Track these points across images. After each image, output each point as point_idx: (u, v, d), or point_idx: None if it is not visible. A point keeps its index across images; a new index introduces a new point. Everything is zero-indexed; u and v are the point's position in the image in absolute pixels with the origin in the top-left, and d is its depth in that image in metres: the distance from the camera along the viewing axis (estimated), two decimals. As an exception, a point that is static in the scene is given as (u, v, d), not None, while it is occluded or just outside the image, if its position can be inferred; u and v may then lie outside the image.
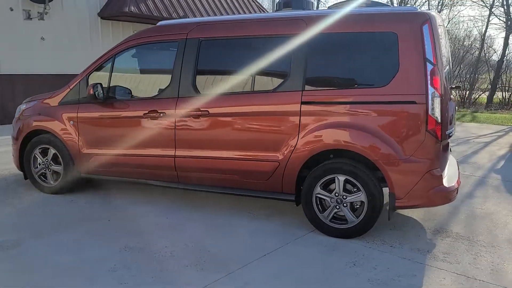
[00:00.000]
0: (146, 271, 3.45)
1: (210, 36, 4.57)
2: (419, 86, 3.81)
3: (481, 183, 6.20)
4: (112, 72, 4.98)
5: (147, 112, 4.71)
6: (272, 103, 4.25)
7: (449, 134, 4.08)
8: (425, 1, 25.99)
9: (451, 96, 4.61)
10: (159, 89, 4.79)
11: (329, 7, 4.92)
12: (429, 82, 3.78)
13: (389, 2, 25.00)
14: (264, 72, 4.40)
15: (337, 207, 4.11)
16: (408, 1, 25.85)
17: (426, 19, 3.83)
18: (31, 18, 11.55)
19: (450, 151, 5.13)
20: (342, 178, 4.05)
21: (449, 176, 4.24)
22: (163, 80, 4.73)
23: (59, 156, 5.26)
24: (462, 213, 4.92)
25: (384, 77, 3.93)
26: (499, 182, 6.24)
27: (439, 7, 26.05)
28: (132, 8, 12.43)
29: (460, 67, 20.99)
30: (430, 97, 3.78)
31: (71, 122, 5.14)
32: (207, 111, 4.47)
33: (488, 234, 4.32)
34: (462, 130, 11.61)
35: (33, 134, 5.43)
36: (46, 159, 5.35)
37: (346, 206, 4.08)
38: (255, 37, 4.40)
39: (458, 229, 4.44)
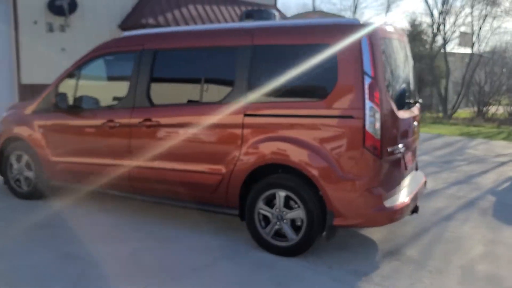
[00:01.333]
0: (68, 278, 3.46)
1: (163, 47, 4.59)
2: (356, 100, 3.64)
3: (469, 205, 5.82)
4: (78, 82, 5.10)
5: (105, 121, 4.77)
6: (217, 114, 4.19)
7: (393, 151, 3.85)
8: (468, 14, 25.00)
9: (413, 111, 4.41)
10: (118, 99, 4.84)
11: (287, 18, 4.83)
12: (366, 96, 3.60)
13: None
14: (212, 84, 4.37)
15: (278, 223, 3.98)
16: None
17: (365, 30, 3.67)
18: (53, 30, 12.08)
19: (417, 169, 4.89)
20: (282, 193, 3.92)
21: (401, 194, 4.01)
22: (123, 90, 4.78)
23: (31, 163, 5.41)
24: (428, 235, 4.63)
25: (323, 90, 3.79)
26: (490, 204, 5.84)
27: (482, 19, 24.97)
28: (150, 20, 12.74)
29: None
30: (367, 111, 3.61)
31: (41, 130, 5.29)
32: (158, 121, 4.47)
33: (443, 259, 4.04)
34: (485, 148, 10.98)
35: (11, 140, 5.62)
36: (20, 165, 5.52)
37: (287, 222, 3.94)
38: (204, 49, 4.37)
39: (413, 252, 4.18)
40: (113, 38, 5.06)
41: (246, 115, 4.05)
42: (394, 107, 3.86)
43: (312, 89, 3.87)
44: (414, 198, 4.19)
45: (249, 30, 4.17)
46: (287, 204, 3.92)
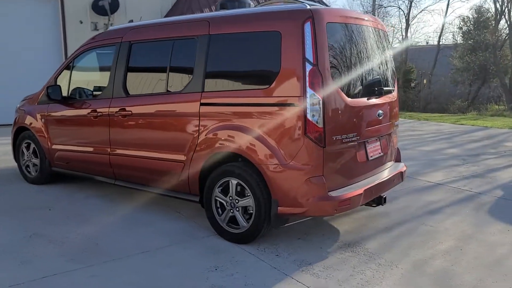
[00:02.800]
0: (18, 255, 3.77)
1: (137, 39, 4.78)
2: (297, 88, 3.60)
3: (468, 199, 5.49)
4: (71, 74, 5.46)
5: (90, 111, 5.08)
6: (178, 104, 4.33)
7: (342, 140, 3.75)
8: None
9: (384, 99, 4.26)
10: (101, 90, 5.13)
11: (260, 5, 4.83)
12: (307, 83, 3.55)
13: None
14: (176, 73, 4.49)
15: (231, 211, 4.04)
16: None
17: (308, 16, 3.60)
18: (98, 29, 12.83)
19: (398, 160, 4.72)
20: (234, 181, 3.98)
21: (355, 185, 3.91)
22: (106, 81, 5.05)
23: (37, 151, 5.88)
24: (401, 228, 4.46)
25: (268, 78, 3.78)
26: (492, 200, 5.46)
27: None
28: (187, 16, 13.12)
29: None
30: (308, 99, 3.56)
31: (43, 120, 5.73)
32: (131, 111, 4.69)
33: (401, 253, 3.89)
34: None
35: (22, 129, 6.14)
36: (29, 153, 6.02)
37: (239, 210, 3.99)
38: (169, 39, 4.50)
39: (373, 245, 4.06)
40: (100, 32, 5.34)
41: (201, 104, 4.14)
42: (343, 95, 3.76)
43: (259, 77, 3.87)
44: (374, 189, 4.05)
45: (206, 19, 4.24)
46: (242, 192, 3.96)
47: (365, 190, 3.88)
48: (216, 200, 4.13)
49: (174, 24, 4.58)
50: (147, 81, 4.74)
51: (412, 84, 24.23)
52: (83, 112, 5.18)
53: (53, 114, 5.59)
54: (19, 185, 6.01)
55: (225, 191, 4.07)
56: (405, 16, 29.71)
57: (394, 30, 29.44)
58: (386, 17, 32.64)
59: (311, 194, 3.64)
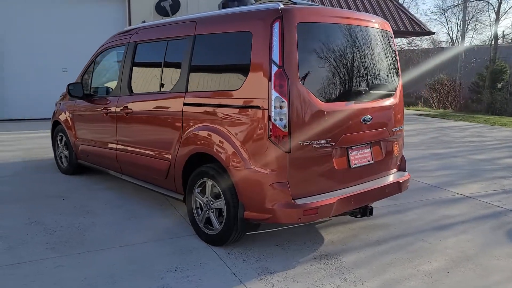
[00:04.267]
0: (10, 240, 4.07)
1: (141, 39, 4.93)
2: (263, 90, 3.49)
3: (491, 216, 4.94)
4: (93, 71, 5.78)
5: (102, 108, 5.35)
6: (166, 103, 4.40)
7: (312, 145, 3.55)
8: None
9: (370, 104, 3.98)
10: (113, 88, 5.37)
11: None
12: (272, 86, 3.42)
13: None
14: (168, 73, 4.54)
15: (208, 212, 4.03)
16: None
17: (277, 16, 3.46)
18: (161, 28, 13.39)
19: (400, 169, 4.40)
20: (210, 183, 3.96)
21: (329, 193, 3.69)
22: (116, 80, 5.29)
23: (67, 144, 6.32)
24: (395, 243, 4.14)
25: (239, 79, 3.70)
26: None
27: None
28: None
29: None
30: (273, 102, 3.43)
31: (70, 115, 6.14)
32: (131, 109, 4.86)
33: (378, 270, 3.60)
34: None
35: (57, 123, 6.62)
36: (62, 145, 6.48)
37: (213, 212, 3.97)
38: (165, 40, 4.57)
39: (352, 258, 3.82)
40: (116, 32, 5.58)
41: (184, 104, 4.17)
42: (315, 98, 3.56)
43: (232, 78, 3.80)
44: (355, 199, 3.80)
45: (194, 20, 4.25)
46: (217, 194, 3.93)
47: (339, 199, 3.65)
48: (196, 201, 4.14)
49: (169, 25, 4.65)
50: (146, 80, 4.87)
51: (499, 85, 22.20)
52: (99, 108, 5.45)
53: (77, 110, 5.97)
54: (53, 175, 6.49)
55: (203, 192, 4.06)
56: (494, 11, 27.26)
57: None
58: (478, 13, 30.31)
59: (275, 200, 3.50)
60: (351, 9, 14.94)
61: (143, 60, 4.92)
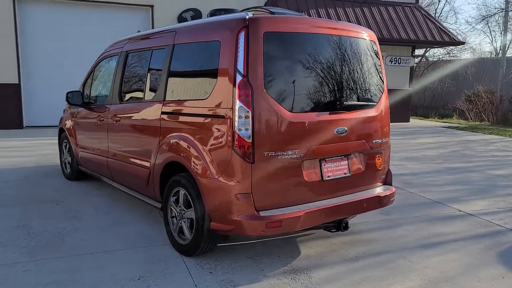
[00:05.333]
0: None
1: (131, 49, 5.00)
2: (228, 99, 3.44)
3: (489, 235, 4.67)
4: (92, 80, 5.92)
5: (97, 116, 5.46)
6: (148, 111, 4.42)
7: (277, 156, 3.46)
8: None
9: (347, 115, 3.86)
10: (107, 96, 5.47)
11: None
12: (236, 95, 3.38)
13: None
14: (151, 82, 4.57)
15: (180, 221, 4.01)
16: None
17: (244, 25, 3.42)
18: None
19: (386, 182, 4.26)
20: (182, 192, 3.95)
21: (297, 206, 3.59)
22: (109, 88, 5.38)
23: (70, 150, 6.48)
24: (372, 259, 3.98)
25: (208, 88, 3.68)
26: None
27: None
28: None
29: None
30: (237, 112, 3.38)
31: (72, 122, 6.30)
32: (119, 117, 4.92)
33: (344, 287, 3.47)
34: None
35: (62, 130, 6.81)
36: (66, 151, 6.66)
37: (185, 221, 3.95)
38: (150, 49, 4.62)
39: (321, 274, 3.69)
40: (115, 41, 5.69)
41: (162, 112, 4.18)
42: (282, 108, 3.48)
43: (202, 87, 3.77)
44: (326, 213, 3.67)
45: (174, 30, 4.27)
46: (189, 204, 3.90)
47: (307, 212, 3.54)
48: (171, 210, 4.13)
49: (155, 34, 4.69)
50: (134, 89, 4.92)
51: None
52: (95, 116, 5.57)
53: (78, 117, 6.12)
54: (57, 180, 6.66)
55: (177, 201, 4.05)
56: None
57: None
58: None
59: (238, 212, 3.44)
60: (375, 19, 14.69)
61: (132, 69, 4.98)
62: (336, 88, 3.80)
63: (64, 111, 6.96)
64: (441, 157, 9.22)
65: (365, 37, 4.12)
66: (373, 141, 4.09)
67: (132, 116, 4.73)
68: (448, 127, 15.45)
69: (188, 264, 3.82)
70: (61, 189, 6.17)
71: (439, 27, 15.58)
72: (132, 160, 4.73)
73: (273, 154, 3.45)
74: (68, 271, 3.66)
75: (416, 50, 17.41)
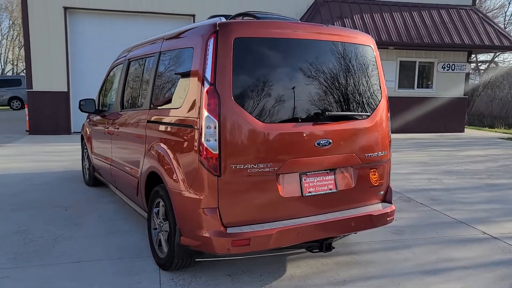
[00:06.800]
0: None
1: (132, 57, 4.99)
2: (196, 108, 3.29)
3: (509, 263, 4.16)
4: (105, 88, 6.00)
5: (105, 124, 5.51)
6: (138, 120, 4.37)
7: (247, 169, 3.24)
8: None
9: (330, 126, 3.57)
10: (113, 104, 5.50)
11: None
12: (203, 104, 3.21)
13: None
14: (143, 90, 4.51)
15: (160, 234, 3.90)
16: None
17: (213, 31, 3.24)
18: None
19: (385, 200, 3.93)
20: (162, 203, 3.83)
21: (271, 224, 3.34)
22: (115, 96, 5.41)
23: (89, 156, 6.62)
24: (362, 284, 3.63)
25: (181, 97, 3.54)
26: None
27: None
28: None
29: None
30: (204, 122, 3.21)
31: (89, 130, 6.42)
32: (118, 126, 4.92)
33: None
34: None
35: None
36: (86, 157, 6.81)
37: (163, 234, 3.82)
38: (144, 57, 4.57)
39: (299, 298, 3.42)
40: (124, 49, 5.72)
41: (147, 121, 4.10)
42: (253, 119, 3.25)
43: (177, 95, 3.64)
44: (303, 232, 3.39)
45: (162, 37, 4.19)
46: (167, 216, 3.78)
47: (280, 231, 3.28)
48: (154, 221, 4.02)
49: (149, 42, 4.64)
50: (131, 97, 4.89)
51: None
52: (103, 124, 5.62)
53: (92, 124, 6.22)
54: (77, 185, 6.82)
55: (159, 212, 3.94)
56: None
57: None
58: None
59: (206, 227, 3.25)
60: (425, 23, 13.91)
61: (131, 77, 4.97)
62: (318, 98, 3.51)
63: (86, 118, 7.13)
64: (486, 172, 8.47)
65: (359, 42, 3.80)
66: (365, 155, 3.75)
67: (126, 124, 4.70)
68: (507, 138, 14.29)
69: (163, 278, 3.69)
70: (76, 194, 6.29)
71: (498, 30, 14.50)
72: (126, 168, 4.70)
73: (242, 167, 3.23)
74: (44, 280, 3.64)
75: (476, 55, 16.33)
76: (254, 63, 3.31)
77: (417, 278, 3.77)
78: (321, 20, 13.07)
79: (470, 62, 15.71)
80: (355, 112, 3.71)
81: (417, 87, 15.17)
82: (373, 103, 3.85)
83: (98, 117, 5.96)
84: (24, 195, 6.18)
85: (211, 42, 3.23)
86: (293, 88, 3.42)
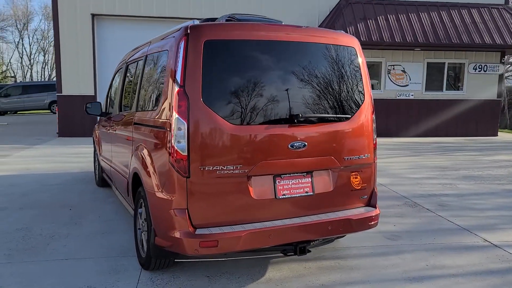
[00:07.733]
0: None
1: (129, 60, 5.11)
2: (168, 111, 3.33)
3: (503, 272, 3.96)
4: (110, 91, 6.16)
5: (106, 126, 5.67)
6: (126, 122, 4.48)
7: (217, 171, 3.25)
8: None
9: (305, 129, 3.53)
10: (113, 107, 5.64)
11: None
12: (174, 106, 3.26)
13: None
14: (133, 92, 4.59)
15: (142, 234, 3.97)
16: None
17: (185, 34, 3.28)
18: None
19: (370, 204, 3.86)
20: (144, 204, 3.90)
21: (241, 226, 3.34)
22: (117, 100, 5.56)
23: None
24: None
25: (157, 99, 3.60)
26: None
27: None
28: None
29: None
30: (174, 124, 3.25)
31: (97, 131, 6.61)
32: (115, 127, 5.05)
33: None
34: None
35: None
36: (96, 159, 7.02)
37: (144, 234, 3.89)
38: (136, 60, 4.66)
39: (271, 301, 3.39)
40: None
41: (133, 123, 4.19)
42: (223, 120, 3.26)
43: (154, 98, 3.71)
44: (275, 235, 3.36)
45: (150, 41, 4.28)
46: (147, 216, 3.85)
47: (250, 233, 3.27)
48: (138, 221, 4.10)
49: (142, 45, 4.74)
50: (125, 99, 5.00)
51: None
52: (106, 126, 5.79)
53: (99, 127, 6.41)
54: (87, 186, 7.03)
55: (142, 213, 4.01)
56: None
57: None
58: None
59: (175, 228, 3.28)
60: (454, 23, 13.46)
61: (127, 79, 5.09)
62: (293, 100, 3.48)
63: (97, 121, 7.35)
64: (508, 177, 8.12)
65: (340, 43, 3.74)
66: (344, 158, 3.68)
67: (120, 127, 4.83)
68: (542, 142, 13.63)
69: (142, 277, 3.75)
70: (85, 194, 6.48)
71: (532, 30, 13.87)
72: (120, 169, 4.82)
73: (211, 169, 3.25)
74: (30, 276, 3.77)
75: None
76: (225, 65, 3.33)
77: (399, 285, 3.66)
78: (343, 23, 12.92)
79: (504, 63, 15.09)
80: (333, 114, 3.65)
81: (446, 89, 14.70)
82: (355, 106, 3.78)
83: (104, 120, 6.13)
84: (34, 195, 6.43)
85: (181, 45, 3.27)
86: (267, 89, 3.40)
